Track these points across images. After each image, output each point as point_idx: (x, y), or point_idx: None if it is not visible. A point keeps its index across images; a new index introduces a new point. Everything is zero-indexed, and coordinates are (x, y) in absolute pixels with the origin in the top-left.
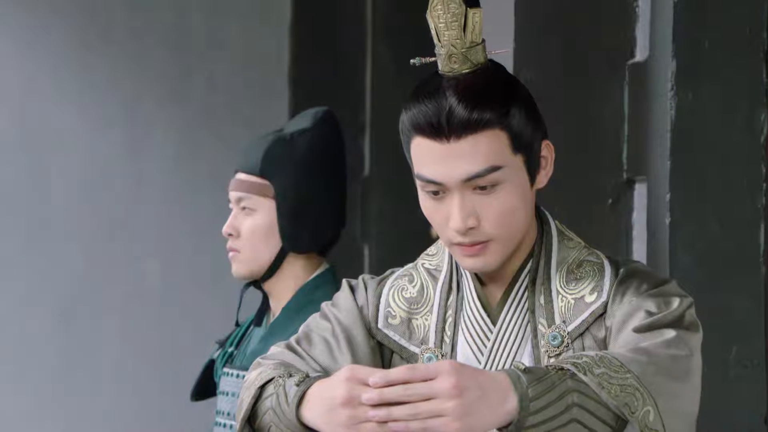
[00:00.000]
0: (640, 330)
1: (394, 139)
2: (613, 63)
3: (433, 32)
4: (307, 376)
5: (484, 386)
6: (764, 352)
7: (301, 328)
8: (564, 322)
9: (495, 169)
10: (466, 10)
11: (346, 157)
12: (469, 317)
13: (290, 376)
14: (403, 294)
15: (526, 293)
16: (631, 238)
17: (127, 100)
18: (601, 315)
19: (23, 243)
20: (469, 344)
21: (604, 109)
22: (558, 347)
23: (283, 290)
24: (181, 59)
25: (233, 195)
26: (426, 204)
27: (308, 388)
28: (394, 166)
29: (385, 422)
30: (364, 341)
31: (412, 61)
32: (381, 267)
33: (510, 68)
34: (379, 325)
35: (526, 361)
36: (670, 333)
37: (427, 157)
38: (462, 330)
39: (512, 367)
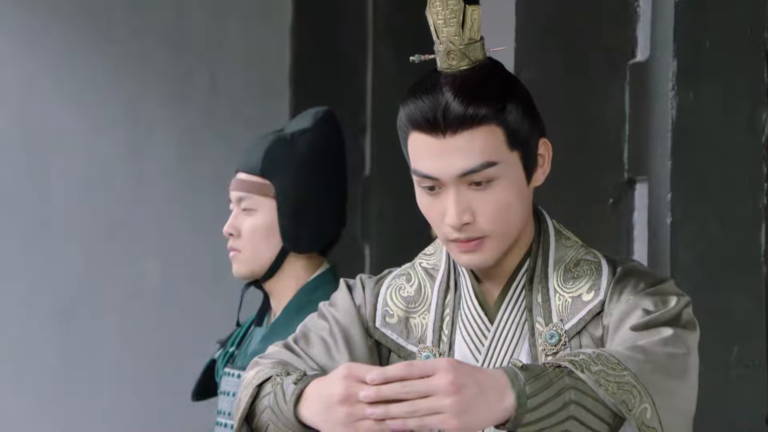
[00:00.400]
0: (637, 328)
1: (394, 139)
2: (614, 63)
3: (432, 29)
4: (305, 374)
5: (481, 383)
6: (765, 352)
7: (299, 328)
8: (561, 320)
9: (490, 164)
10: (465, 7)
11: (347, 156)
12: (466, 316)
13: (288, 374)
14: (400, 293)
15: (523, 292)
16: (632, 238)
17: (128, 99)
18: (598, 313)
19: (23, 243)
20: (466, 342)
21: (605, 109)
22: (555, 346)
23: (283, 290)
24: (182, 59)
25: (234, 195)
26: (422, 200)
27: (306, 387)
28: (395, 166)
29: (383, 420)
30: (362, 340)
31: (411, 58)
32: (382, 267)
33: (511, 68)
34: (377, 324)
35: (523, 359)
36: (668, 331)
37: (424, 152)
38: (459, 328)
39: (510, 364)
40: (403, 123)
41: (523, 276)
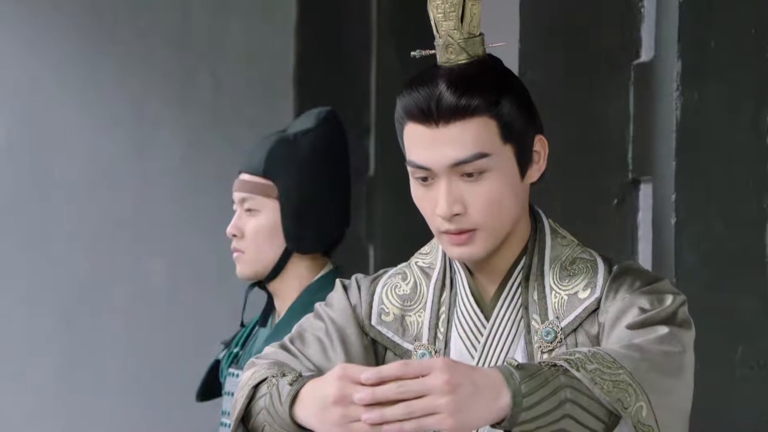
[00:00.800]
0: (633, 327)
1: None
2: (619, 63)
3: (432, 23)
4: (300, 375)
5: (477, 382)
6: None
7: (295, 328)
8: (557, 317)
9: (482, 156)
10: (465, 1)
11: (350, 156)
12: (462, 313)
13: (283, 375)
14: (396, 291)
15: (519, 289)
16: (636, 238)
17: (132, 99)
18: (594, 311)
19: (27, 242)
20: (462, 340)
21: (609, 110)
22: (551, 343)
23: (287, 291)
24: (186, 59)
25: (237, 196)
26: (416, 192)
27: (301, 388)
28: (399, 166)
29: (379, 424)
30: (358, 340)
31: (413, 53)
32: (386, 267)
33: (515, 68)
34: (373, 322)
35: (519, 356)
36: (663, 330)
37: (417, 142)
38: (455, 326)
39: (505, 363)
40: (399, 115)
41: (519, 273)
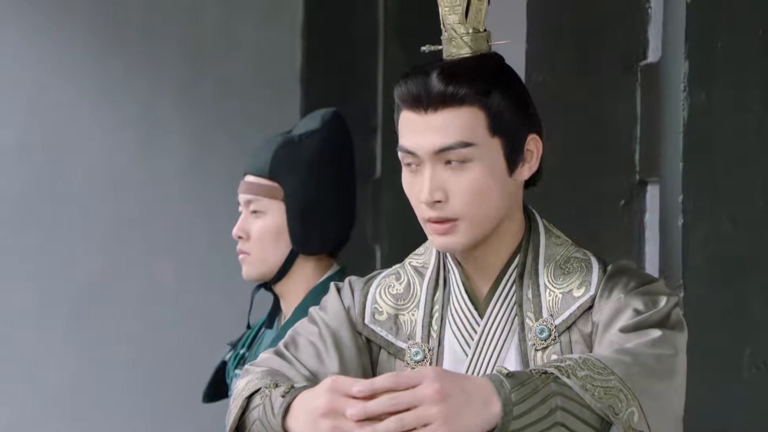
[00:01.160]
0: (626, 330)
1: None
2: (626, 64)
3: (440, 17)
4: (293, 386)
5: (467, 391)
6: None
7: (289, 333)
8: (551, 315)
9: (466, 144)
10: None
11: (355, 157)
12: (456, 310)
13: (276, 386)
14: (389, 291)
15: (513, 287)
16: (643, 240)
17: (141, 100)
18: (588, 309)
19: (37, 243)
20: (456, 337)
21: (616, 111)
22: (545, 340)
23: (293, 292)
24: (194, 60)
25: (243, 197)
26: (405, 179)
27: (293, 399)
28: None
29: None
30: (352, 342)
31: (422, 48)
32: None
33: (522, 69)
34: (366, 321)
35: (513, 354)
36: (656, 333)
37: (408, 128)
38: (449, 323)
39: (495, 371)
40: (396, 103)
41: (513, 271)
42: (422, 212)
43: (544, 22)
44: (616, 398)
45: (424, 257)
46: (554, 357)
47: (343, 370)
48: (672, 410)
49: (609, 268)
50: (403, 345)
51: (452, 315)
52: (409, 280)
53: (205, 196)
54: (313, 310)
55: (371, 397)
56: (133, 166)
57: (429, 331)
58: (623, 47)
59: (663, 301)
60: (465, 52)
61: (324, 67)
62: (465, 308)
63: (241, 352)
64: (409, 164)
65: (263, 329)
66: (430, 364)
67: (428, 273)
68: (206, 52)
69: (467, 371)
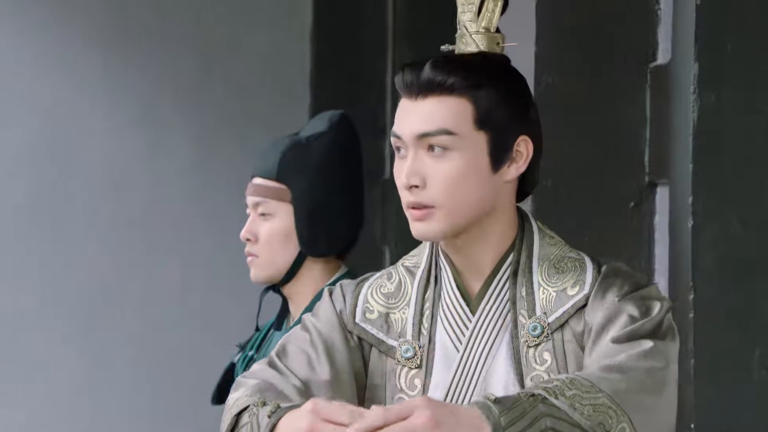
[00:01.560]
0: (618, 340)
1: None
2: (635, 66)
3: (457, 17)
4: (279, 406)
5: (458, 417)
6: None
7: (281, 341)
8: (545, 313)
9: (447, 132)
10: None
11: (363, 159)
12: (448, 307)
13: (264, 404)
14: (381, 291)
15: (506, 285)
16: (653, 241)
17: (148, 102)
18: (582, 307)
19: (43, 244)
20: (448, 333)
21: (626, 113)
22: (538, 338)
23: (302, 294)
24: (203, 63)
25: (251, 200)
26: (395, 165)
27: (278, 420)
28: None
29: None
30: (344, 346)
31: (441, 48)
32: None
33: (531, 71)
34: (357, 320)
35: (504, 351)
36: (647, 344)
37: (399, 114)
38: (441, 320)
39: (482, 397)
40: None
41: (506, 269)
42: (403, 197)
43: (553, 24)
44: (605, 415)
45: (417, 257)
46: (549, 345)
47: (335, 377)
48: (664, 423)
49: (603, 268)
50: (394, 343)
51: (444, 312)
52: (400, 279)
53: (211, 198)
54: (306, 317)
55: None
56: (139, 168)
57: (419, 329)
58: (633, 49)
59: (656, 307)
60: (472, 49)
61: (333, 70)
62: (457, 305)
63: (250, 353)
64: (398, 149)
65: (272, 331)
66: (421, 361)
67: (419, 272)
68: (215, 54)
69: (458, 367)
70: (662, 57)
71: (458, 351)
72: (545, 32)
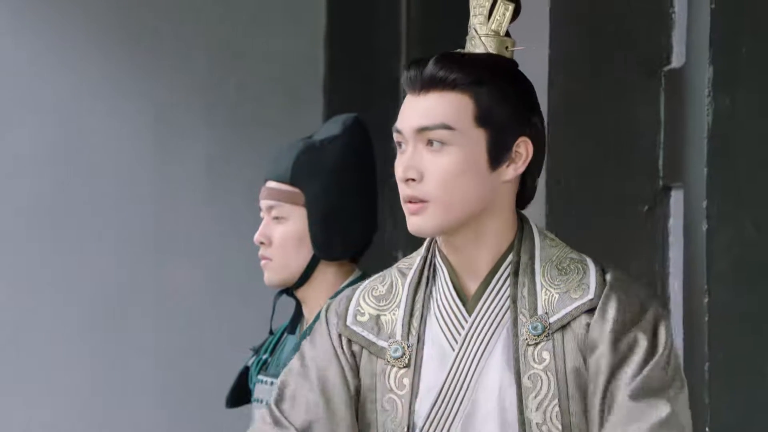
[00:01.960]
0: (635, 396)
1: None
2: (649, 69)
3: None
4: None
5: None
6: None
7: (281, 380)
8: (546, 313)
9: (446, 127)
10: (497, 0)
11: (376, 162)
12: (443, 307)
13: None
14: (372, 294)
15: (505, 285)
16: (667, 245)
17: (160, 106)
18: (586, 312)
19: (56, 247)
20: (443, 333)
21: (640, 116)
22: (538, 336)
23: (315, 297)
24: (215, 66)
25: (264, 203)
26: (396, 161)
27: None
28: None
29: None
30: (340, 379)
31: (458, 51)
32: None
33: (544, 74)
34: (348, 323)
35: (499, 350)
36: (664, 408)
37: (403, 108)
38: (437, 319)
39: None
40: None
41: (506, 269)
42: (401, 191)
43: (567, 27)
44: None
45: (411, 260)
46: (549, 344)
47: (332, 416)
48: None
49: (607, 276)
50: (384, 344)
51: (440, 312)
52: (392, 281)
53: (225, 201)
54: (304, 344)
55: None
56: (152, 171)
57: (409, 329)
58: (647, 52)
59: (662, 334)
60: (480, 51)
61: (346, 74)
62: (453, 305)
63: (264, 357)
64: (399, 144)
65: (285, 334)
66: (409, 360)
67: (411, 272)
68: (229, 59)
69: (452, 366)
70: (676, 60)
71: (453, 350)
72: (559, 35)
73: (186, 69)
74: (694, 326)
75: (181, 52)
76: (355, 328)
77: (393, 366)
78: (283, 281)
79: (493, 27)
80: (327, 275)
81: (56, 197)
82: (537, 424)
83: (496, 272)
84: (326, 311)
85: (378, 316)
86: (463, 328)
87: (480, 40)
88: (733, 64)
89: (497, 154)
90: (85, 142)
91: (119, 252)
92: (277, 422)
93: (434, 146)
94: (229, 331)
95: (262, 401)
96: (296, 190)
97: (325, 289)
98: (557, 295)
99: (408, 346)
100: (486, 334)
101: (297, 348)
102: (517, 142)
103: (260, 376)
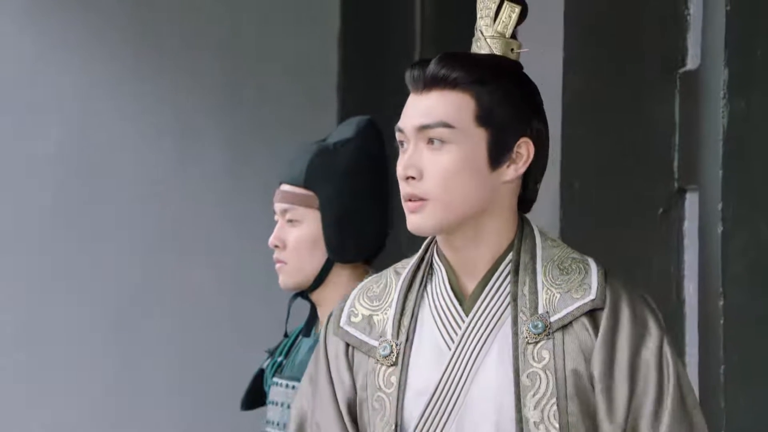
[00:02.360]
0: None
1: None
2: (664, 71)
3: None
4: None
5: None
6: None
7: (294, 408)
8: (547, 312)
9: (446, 125)
10: (504, 3)
11: (389, 165)
12: (440, 307)
13: None
14: (367, 294)
15: (504, 284)
16: (682, 248)
17: (177, 109)
18: (587, 313)
19: (75, 250)
20: (440, 331)
21: (655, 118)
22: (538, 335)
23: (330, 300)
24: (231, 69)
25: (278, 207)
26: (398, 160)
27: None
28: None
29: None
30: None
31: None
32: None
33: (559, 76)
34: (341, 324)
35: (496, 349)
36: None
37: (405, 108)
38: (433, 318)
39: None
40: None
41: (505, 268)
42: (401, 190)
43: (581, 29)
44: None
45: (409, 261)
46: (549, 344)
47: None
48: None
49: (608, 285)
50: (375, 342)
51: (436, 311)
52: (387, 281)
53: (240, 204)
54: (310, 366)
55: None
56: (168, 173)
57: (399, 327)
58: (662, 54)
59: (670, 366)
60: (485, 52)
61: (360, 75)
62: (450, 304)
63: (279, 359)
64: (401, 143)
65: (300, 337)
66: (396, 358)
67: (404, 272)
68: (243, 60)
69: (448, 365)
70: (691, 62)
71: (450, 349)
72: (573, 37)
73: (201, 71)
74: (710, 329)
75: (196, 55)
76: (348, 329)
77: (382, 364)
78: (298, 284)
79: (498, 29)
80: (341, 278)
81: (74, 198)
82: (534, 422)
83: (495, 271)
84: (327, 321)
85: (371, 316)
86: (459, 327)
87: (485, 41)
88: (749, 66)
89: (498, 154)
90: (103, 147)
91: (136, 254)
92: None
93: (435, 145)
94: (244, 333)
95: (276, 403)
96: (310, 193)
97: (340, 291)
98: (558, 295)
99: (396, 345)
100: (483, 333)
101: (312, 350)
102: (518, 142)
103: (275, 379)
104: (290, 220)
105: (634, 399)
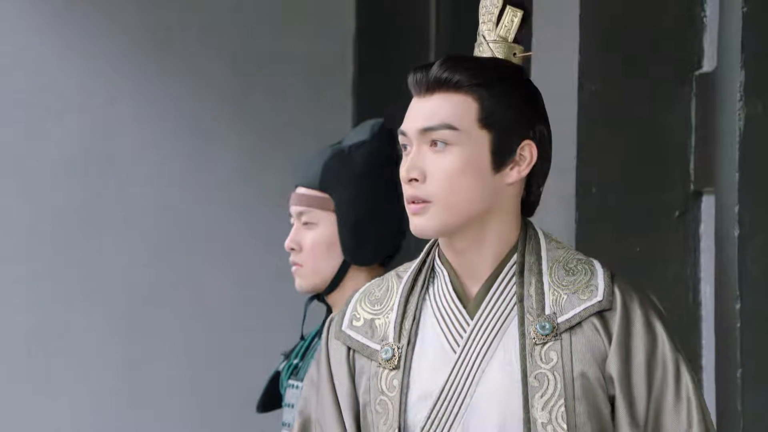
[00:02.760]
0: None
1: None
2: (681, 73)
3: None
4: None
5: None
6: None
7: (299, 409)
8: (554, 313)
9: (449, 127)
10: (506, 7)
11: None
12: (444, 310)
13: None
14: (369, 298)
15: (510, 285)
16: (698, 251)
17: (192, 111)
18: (595, 314)
19: (89, 254)
20: (444, 334)
21: (671, 120)
22: (546, 336)
23: None
24: (245, 71)
25: (294, 209)
26: (401, 163)
27: None
28: None
29: None
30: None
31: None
32: None
33: (574, 79)
34: (343, 327)
35: (501, 351)
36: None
37: (408, 111)
38: (437, 322)
39: None
40: None
41: (510, 270)
42: (404, 192)
43: (597, 32)
44: None
45: (410, 264)
46: (557, 345)
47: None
48: None
49: (616, 284)
50: (377, 346)
51: (439, 314)
52: (389, 285)
53: (256, 206)
54: (311, 369)
55: None
56: (182, 177)
57: (401, 330)
58: (678, 57)
59: (683, 365)
60: (487, 56)
61: (375, 78)
62: (453, 308)
63: (295, 362)
64: (404, 146)
65: (316, 339)
66: (398, 361)
67: (406, 276)
68: (258, 63)
69: (454, 368)
70: (708, 65)
71: (455, 352)
72: (589, 40)
73: (215, 74)
74: (726, 333)
75: (211, 57)
76: (350, 332)
77: (384, 368)
78: (314, 287)
79: (501, 33)
80: (357, 280)
81: (88, 202)
82: (542, 423)
83: (500, 273)
84: (329, 324)
85: (372, 320)
86: (464, 330)
87: (488, 45)
88: (765, 68)
89: (500, 156)
90: (117, 147)
91: (150, 256)
92: None
93: (438, 147)
94: (260, 336)
95: (292, 406)
96: (326, 195)
97: None
98: (565, 296)
99: (398, 348)
100: (489, 336)
101: None
102: (521, 145)
103: (291, 381)
104: (306, 223)
105: (653, 395)
